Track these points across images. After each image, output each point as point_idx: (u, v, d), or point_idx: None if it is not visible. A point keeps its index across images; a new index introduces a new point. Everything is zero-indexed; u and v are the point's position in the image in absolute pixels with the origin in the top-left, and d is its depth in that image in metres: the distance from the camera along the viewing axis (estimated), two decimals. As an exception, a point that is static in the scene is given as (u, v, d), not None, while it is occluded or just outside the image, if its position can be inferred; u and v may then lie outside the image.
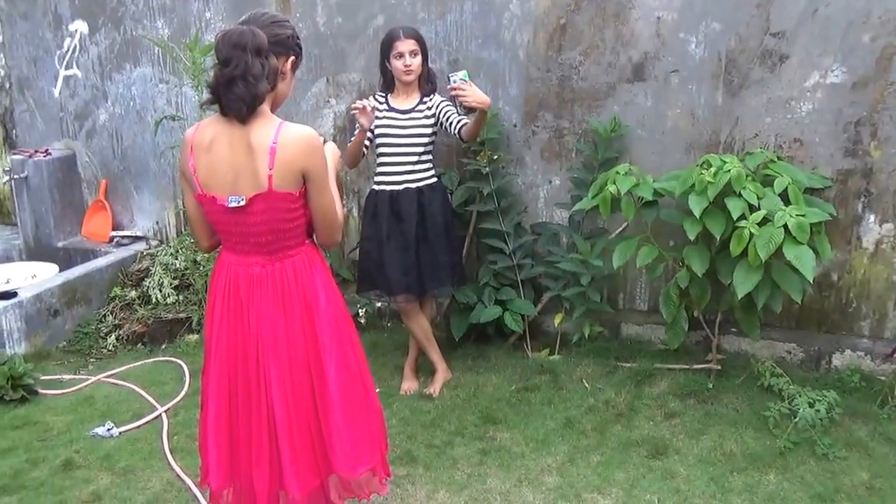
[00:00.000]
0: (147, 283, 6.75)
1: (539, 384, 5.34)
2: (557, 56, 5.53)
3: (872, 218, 5.00)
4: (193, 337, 6.35)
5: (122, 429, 5.02)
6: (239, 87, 2.86)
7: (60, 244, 7.48)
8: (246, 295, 3.18)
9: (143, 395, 5.45)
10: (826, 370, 5.25)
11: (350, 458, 3.29)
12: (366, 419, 3.38)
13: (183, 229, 7.15)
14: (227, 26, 3.30)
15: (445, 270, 5.23)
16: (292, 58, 3.12)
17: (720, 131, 5.22)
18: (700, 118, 5.26)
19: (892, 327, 5.13)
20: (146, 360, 6.08)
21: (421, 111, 5.06)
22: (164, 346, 6.36)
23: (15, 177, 7.32)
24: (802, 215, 4.34)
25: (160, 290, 6.63)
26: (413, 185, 5.10)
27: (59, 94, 7.44)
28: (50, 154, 7.40)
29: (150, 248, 7.19)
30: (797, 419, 4.46)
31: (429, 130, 5.07)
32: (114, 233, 7.41)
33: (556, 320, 5.70)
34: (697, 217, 4.55)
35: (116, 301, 6.72)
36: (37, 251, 7.50)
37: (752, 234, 4.36)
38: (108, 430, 4.98)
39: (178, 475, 4.49)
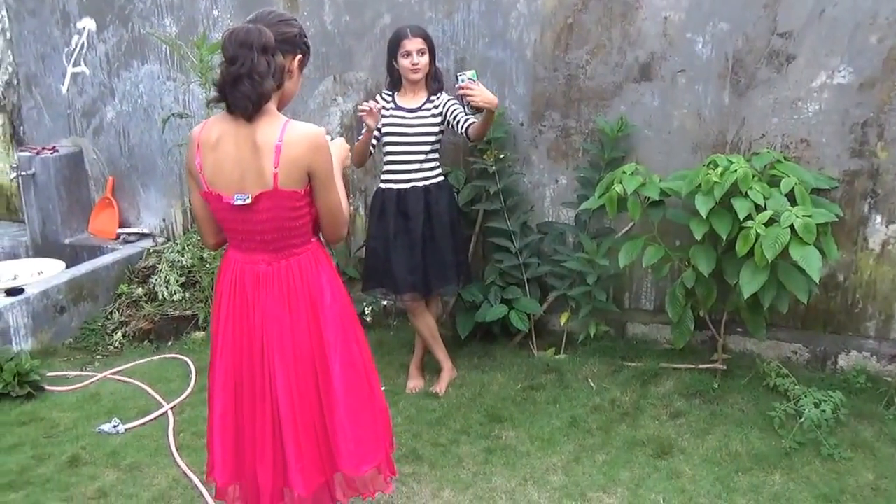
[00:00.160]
0: (153, 281, 6.76)
1: (545, 383, 5.34)
2: (564, 55, 5.54)
3: (879, 219, 5.00)
4: (200, 334, 6.36)
5: (129, 425, 5.04)
6: (245, 86, 2.88)
7: (67, 241, 7.50)
8: (252, 292, 3.18)
9: (150, 392, 5.46)
10: (832, 371, 5.25)
11: (354, 455, 3.30)
12: (371, 417, 3.39)
13: (189, 227, 7.17)
14: (234, 24, 3.30)
15: (452, 269, 5.23)
16: (299, 56, 3.13)
17: (727, 131, 5.22)
18: (707, 118, 5.26)
19: (898, 328, 5.14)
20: (152, 357, 6.09)
21: (428, 110, 5.06)
22: (170, 344, 6.36)
23: (22, 173, 7.34)
24: (809, 216, 4.34)
25: (167, 288, 6.65)
26: (420, 184, 5.10)
27: (67, 91, 7.46)
28: (57, 151, 7.42)
29: (156, 246, 7.21)
30: (803, 419, 4.46)
31: (436, 129, 5.07)
32: (120, 230, 7.43)
33: (562, 319, 5.70)
34: (704, 217, 4.54)
35: (123, 298, 6.74)
36: (44, 248, 7.52)
37: (758, 235, 4.36)
38: (115, 426, 5.00)
39: (184, 472, 4.50)
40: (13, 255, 7.64)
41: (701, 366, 5.30)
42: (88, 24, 7.14)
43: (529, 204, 5.85)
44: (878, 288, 5.10)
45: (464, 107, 4.90)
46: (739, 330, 5.39)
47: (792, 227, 4.30)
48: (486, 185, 5.64)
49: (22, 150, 7.52)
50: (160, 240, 7.33)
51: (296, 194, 3.01)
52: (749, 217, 4.44)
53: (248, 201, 3.00)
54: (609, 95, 5.48)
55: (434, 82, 5.14)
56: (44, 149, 7.42)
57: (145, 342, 6.39)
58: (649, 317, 5.75)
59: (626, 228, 5.50)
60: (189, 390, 5.46)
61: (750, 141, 5.17)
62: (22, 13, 7.47)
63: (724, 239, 4.58)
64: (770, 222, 4.40)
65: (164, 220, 7.38)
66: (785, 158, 4.92)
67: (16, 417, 5.17)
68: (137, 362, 6.00)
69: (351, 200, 6.21)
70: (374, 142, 5.07)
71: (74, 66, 7.34)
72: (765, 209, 4.45)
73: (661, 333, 5.66)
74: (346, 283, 4.18)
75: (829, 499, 4.06)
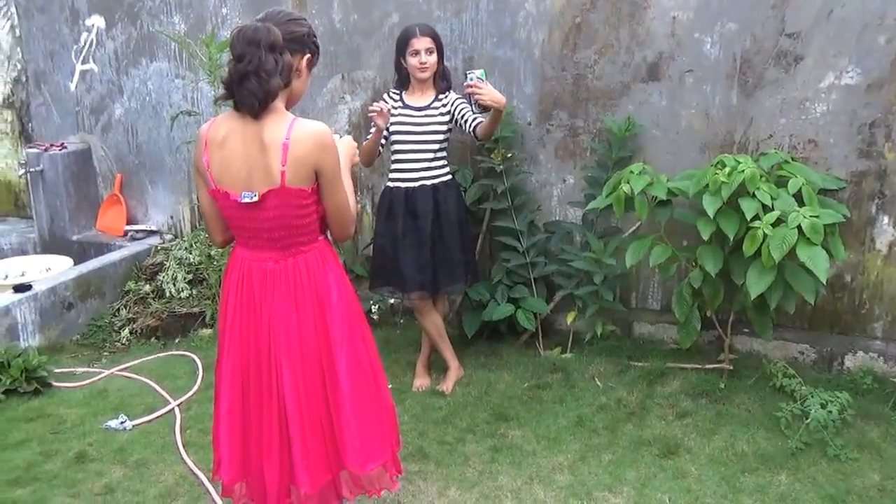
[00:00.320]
0: (161, 278, 6.77)
1: (551, 382, 5.34)
2: (572, 55, 5.54)
3: (886, 220, 4.99)
4: (207, 331, 6.38)
5: (136, 422, 5.05)
6: (252, 83, 2.88)
7: (75, 238, 7.51)
8: (259, 290, 3.19)
9: (157, 389, 5.48)
10: (838, 371, 5.25)
11: (360, 453, 3.30)
12: (377, 415, 3.39)
13: (197, 224, 7.18)
14: (243, 22, 3.31)
15: (460, 268, 5.24)
16: (308, 55, 3.14)
17: (734, 131, 5.22)
18: (714, 118, 5.26)
19: (904, 329, 5.14)
20: (159, 354, 6.11)
21: (436, 108, 5.06)
22: (177, 341, 6.38)
23: (31, 170, 7.36)
24: (816, 216, 4.34)
25: (174, 285, 6.66)
26: (428, 183, 5.10)
27: (76, 88, 7.48)
28: (65, 148, 7.43)
29: (164, 243, 7.22)
30: (809, 420, 4.46)
31: (444, 128, 5.07)
32: (128, 227, 7.44)
33: (569, 319, 5.70)
34: (711, 217, 4.55)
35: (130, 295, 6.75)
36: (51, 244, 7.54)
37: (765, 235, 4.36)
38: (122, 423, 5.01)
39: (190, 469, 4.51)
40: (21, 252, 7.66)
41: (707, 366, 5.30)
42: (97, 21, 7.16)
43: (537, 203, 5.86)
44: (885, 289, 5.10)
45: (471, 105, 4.91)
46: (746, 330, 5.39)
47: (799, 227, 4.30)
48: (493, 184, 5.65)
49: (30, 147, 7.55)
50: (168, 237, 7.35)
51: (303, 192, 3.02)
52: (756, 217, 4.44)
53: (256, 199, 3.01)
54: (617, 95, 5.48)
55: (442, 81, 5.14)
56: (52, 145, 7.44)
57: (152, 339, 6.40)
58: (656, 316, 5.75)
59: (634, 228, 5.51)
60: (196, 387, 5.47)
61: (757, 141, 5.17)
62: (31, 10, 7.49)
63: (732, 239, 4.58)
64: (777, 223, 4.40)
65: (171, 218, 7.39)
66: (792, 159, 4.92)
67: (23, 413, 5.19)
68: (144, 359, 6.01)
69: (358, 198, 6.22)
70: (382, 141, 5.07)
71: (83, 63, 7.36)
72: (772, 209, 4.45)
73: (668, 333, 5.66)
74: (353, 281, 4.20)
75: (836, 499, 4.06)
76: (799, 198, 4.55)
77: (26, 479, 4.46)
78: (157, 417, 5.13)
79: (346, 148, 3.30)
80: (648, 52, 5.34)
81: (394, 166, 5.17)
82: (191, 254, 6.81)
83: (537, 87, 5.69)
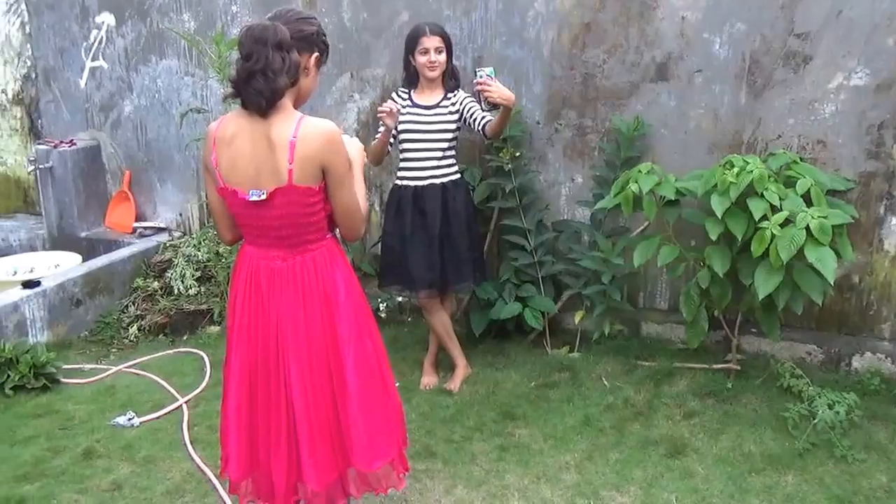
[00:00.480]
0: (169, 275, 6.79)
1: (558, 381, 5.35)
2: (581, 54, 5.54)
3: (894, 221, 4.99)
4: (215, 329, 6.39)
5: (143, 419, 5.06)
6: (258, 82, 2.89)
7: (84, 234, 7.54)
8: (266, 288, 3.20)
9: (164, 386, 5.49)
10: (846, 372, 5.25)
11: (367, 451, 3.31)
12: (384, 413, 3.39)
13: (206, 221, 7.19)
14: (252, 20, 3.32)
15: (468, 266, 5.24)
16: (316, 54, 3.14)
17: (743, 132, 5.22)
18: (723, 118, 5.26)
19: (912, 330, 5.14)
20: (167, 351, 6.13)
21: (445, 107, 5.07)
22: (185, 338, 6.40)
23: (40, 167, 7.38)
24: (824, 217, 4.33)
25: (182, 282, 6.67)
26: (437, 181, 5.11)
27: (85, 85, 7.50)
28: (75, 144, 7.45)
29: (172, 240, 7.23)
30: (816, 421, 4.46)
31: (453, 126, 5.08)
32: (137, 224, 7.46)
33: (577, 318, 5.71)
34: (719, 217, 4.55)
35: (139, 292, 6.77)
36: (60, 241, 7.55)
37: (773, 235, 4.36)
38: (129, 419, 5.02)
39: (198, 466, 4.52)
40: (30, 248, 7.69)
41: (715, 366, 5.30)
42: (107, 18, 7.18)
43: (545, 202, 5.86)
44: (892, 290, 5.09)
45: (480, 103, 4.91)
46: (754, 330, 5.39)
47: (807, 228, 4.30)
48: (501, 183, 5.66)
49: (40, 144, 7.57)
50: (176, 234, 7.36)
51: (310, 190, 3.03)
52: (764, 218, 4.44)
53: (263, 197, 3.02)
54: (625, 95, 5.48)
55: (450, 80, 5.15)
56: (61, 142, 7.46)
57: (160, 336, 6.42)
58: (663, 316, 5.75)
59: (642, 228, 5.51)
60: (204, 384, 5.48)
61: (766, 141, 5.17)
62: (41, 7, 7.51)
63: (740, 239, 4.58)
64: (785, 223, 4.40)
65: (180, 215, 7.40)
66: (801, 159, 4.92)
67: (31, 409, 5.20)
68: (152, 356, 6.03)
69: (367, 197, 6.21)
70: (390, 140, 5.08)
71: (93, 60, 7.37)
72: (780, 210, 4.45)
73: (676, 333, 5.66)
74: (361, 279, 4.20)
75: (843, 500, 4.06)
76: (807, 198, 4.55)
77: (34, 474, 4.47)
78: (165, 414, 5.14)
79: (356, 150, 3.30)
80: (657, 52, 5.34)
81: (402, 165, 5.17)
82: (199, 251, 6.81)
83: (546, 86, 5.69)
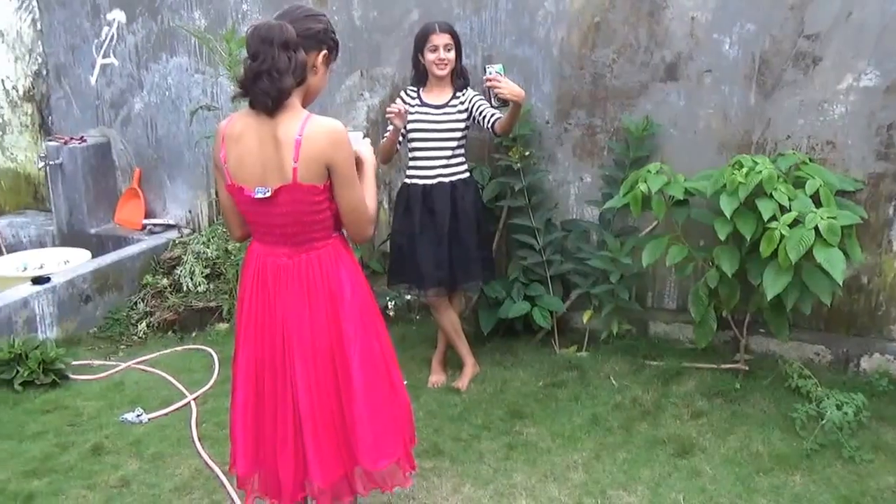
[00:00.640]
0: (178, 272, 6.81)
1: (566, 380, 5.35)
2: (591, 54, 5.54)
3: (904, 222, 5.00)
4: (224, 325, 6.41)
5: (152, 415, 5.07)
6: (264, 82, 2.90)
7: (93, 231, 7.56)
8: (273, 285, 3.21)
9: (173, 383, 5.50)
10: (854, 373, 5.24)
11: (373, 450, 3.31)
12: (390, 412, 3.40)
13: (215, 218, 7.21)
14: (262, 18, 3.33)
15: (476, 265, 5.25)
16: (324, 52, 3.13)
17: (752, 132, 5.22)
18: (732, 119, 5.26)
19: (921, 332, 5.13)
20: (176, 348, 6.14)
21: (454, 106, 5.07)
22: (194, 335, 6.41)
23: (50, 163, 7.40)
24: (833, 218, 4.34)
25: (191, 279, 6.68)
26: (446, 180, 5.11)
27: (96, 82, 7.52)
28: (85, 141, 7.47)
29: (182, 237, 7.25)
30: (824, 421, 4.45)
31: (462, 125, 5.09)
32: (146, 220, 7.48)
33: (585, 317, 5.71)
34: (728, 217, 4.55)
35: (148, 288, 6.79)
36: (70, 237, 7.58)
37: (782, 236, 4.36)
38: (138, 416, 5.03)
39: (206, 462, 4.52)
40: (40, 244, 7.72)
41: (723, 366, 5.30)
42: (118, 15, 7.20)
43: (554, 201, 5.86)
44: (902, 291, 5.10)
45: (490, 100, 4.91)
46: (762, 330, 5.38)
47: (816, 228, 4.30)
48: (510, 182, 5.66)
49: (50, 140, 7.59)
50: (186, 231, 7.38)
51: (315, 189, 3.03)
52: (773, 218, 4.44)
53: (269, 194, 3.03)
54: (635, 94, 5.48)
55: (459, 79, 5.16)
56: (72, 139, 7.47)
57: (169, 332, 6.44)
58: (672, 316, 5.75)
59: (650, 227, 5.51)
60: (212, 381, 5.50)
61: (775, 142, 5.17)
62: (52, 4, 7.53)
63: (749, 239, 4.58)
64: (794, 223, 4.40)
65: (189, 212, 7.42)
66: (810, 160, 4.92)
67: (40, 405, 5.22)
68: (161, 352, 6.05)
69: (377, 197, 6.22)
70: (399, 139, 5.08)
71: (104, 57, 7.39)
72: (789, 210, 4.45)
73: (684, 333, 5.66)
74: (370, 276, 4.21)
75: (850, 501, 4.06)
76: (816, 199, 4.54)
77: (42, 470, 4.48)
78: (174, 411, 5.15)
79: (367, 150, 3.30)
80: (667, 52, 5.34)
81: (411, 163, 5.18)
82: (208, 248, 6.83)
83: (556, 85, 5.69)
